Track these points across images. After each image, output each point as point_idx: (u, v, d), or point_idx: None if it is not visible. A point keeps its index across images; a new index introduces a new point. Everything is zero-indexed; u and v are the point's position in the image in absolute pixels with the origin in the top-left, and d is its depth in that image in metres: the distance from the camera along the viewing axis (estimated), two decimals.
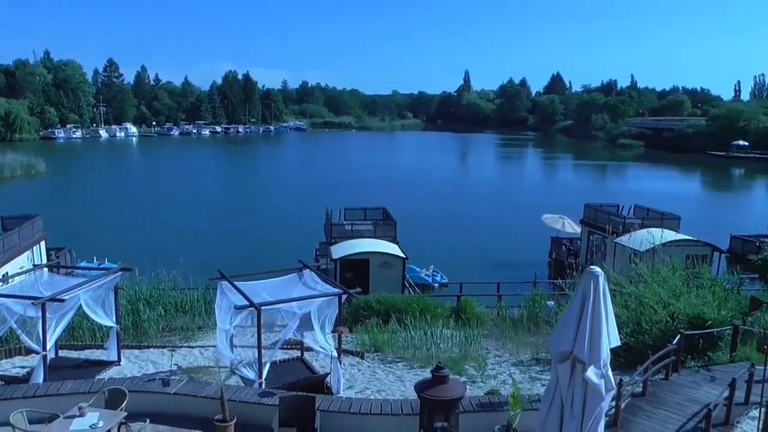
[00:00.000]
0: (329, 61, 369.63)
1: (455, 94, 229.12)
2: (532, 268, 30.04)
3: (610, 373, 5.76)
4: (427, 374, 8.88)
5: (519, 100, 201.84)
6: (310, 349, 12.05)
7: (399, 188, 62.98)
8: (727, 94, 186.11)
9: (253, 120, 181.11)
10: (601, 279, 5.76)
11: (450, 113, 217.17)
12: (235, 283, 11.25)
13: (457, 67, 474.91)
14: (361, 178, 71.68)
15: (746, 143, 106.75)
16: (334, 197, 44.00)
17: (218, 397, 8.70)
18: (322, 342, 10.85)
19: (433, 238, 39.84)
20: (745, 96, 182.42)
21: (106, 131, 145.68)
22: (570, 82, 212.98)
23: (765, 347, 9.79)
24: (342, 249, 27.09)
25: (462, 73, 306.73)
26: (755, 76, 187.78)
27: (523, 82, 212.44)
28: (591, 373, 5.58)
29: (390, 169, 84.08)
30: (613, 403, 9.33)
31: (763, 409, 8.98)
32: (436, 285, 31.09)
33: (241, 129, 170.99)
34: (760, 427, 8.86)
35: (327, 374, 11.21)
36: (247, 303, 10.30)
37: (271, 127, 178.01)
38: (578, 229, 35.55)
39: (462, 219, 48.73)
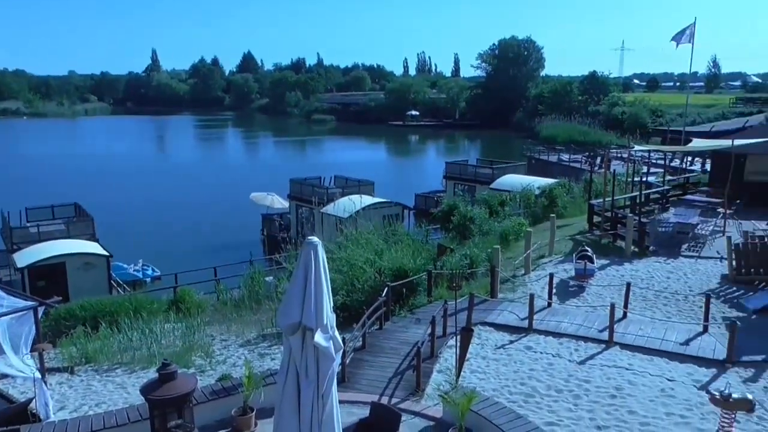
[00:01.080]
0: None
1: (144, 74, 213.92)
2: (246, 248, 30.15)
3: (337, 334, 6.10)
4: (152, 375, 8.33)
5: (213, 80, 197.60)
6: (5, 376, 10.27)
7: (92, 180, 56.85)
8: (398, 70, 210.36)
9: None
10: (320, 248, 6.01)
11: (140, 95, 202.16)
12: None
13: (142, 46, 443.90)
14: (42, 173, 62.54)
15: (417, 113, 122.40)
16: (9, 197, 37.76)
17: None
18: (18, 365, 9.29)
19: (139, 231, 37.14)
20: (412, 71, 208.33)
21: None
22: (262, 60, 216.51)
23: (454, 285, 11.47)
24: (29, 255, 23.56)
25: (149, 52, 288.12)
26: (418, 54, 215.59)
27: (216, 62, 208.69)
28: (319, 337, 5.83)
29: (78, 159, 75.17)
30: (340, 361, 9.99)
31: (457, 336, 10.56)
32: (148, 279, 29.17)
33: None
34: (457, 351, 10.42)
35: (31, 399, 9.70)
36: None
37: None
38: (286, 204, 36.75)
39: (168, 206, 46.29)
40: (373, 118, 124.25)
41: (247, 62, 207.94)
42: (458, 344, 10.47)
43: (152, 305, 16.68)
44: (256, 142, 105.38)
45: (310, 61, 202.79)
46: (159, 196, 51.11)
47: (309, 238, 6.11)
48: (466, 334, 10.80)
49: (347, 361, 10.67)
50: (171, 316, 15.87)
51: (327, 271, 6.08)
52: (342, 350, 6.47)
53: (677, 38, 29.43)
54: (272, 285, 18.29)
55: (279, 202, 36.67)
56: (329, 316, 6.03)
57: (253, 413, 8.55)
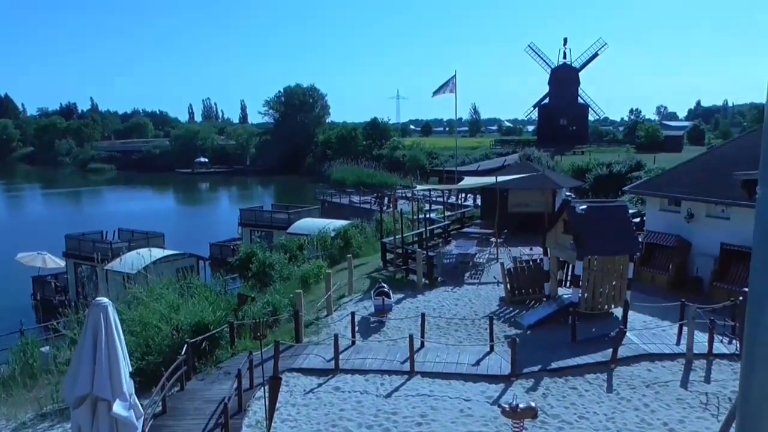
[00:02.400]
0: None
1: None
2: (15, 316, 26.33)
3: (137, 401, 5.62)
4: None
5: None
6: None
7: None
8: (183, 116, 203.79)
9: None
10: (110, 309, 5.56)
11: None
12: None
13: None
14: None
15: (206, 160, 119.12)
16: None
17: None
18: None
19: None
20: (198, 118, 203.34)
21: None
22: (23, 104, 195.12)
23: (258, 334, 11.22)
24: None
25: None
26: (203, 100, 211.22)
27: None
28: (119, 407, 5.32)
29: None
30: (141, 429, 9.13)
31: (265, 386, 10.30)
32: None
33: None
34: (266, 402, 10.15)
35: None
36: None
37: None
38: (62, 263, 33.02)
39: None
40: (159, 165, 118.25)
41: (6, 106, 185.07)
42: (267, 395, 10.22)
43: None
44: (19, 195, 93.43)
45: (83, 106, 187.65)
46: None
47: (97, 299, 5.64)
48: (274, 383, 10.58)
49: (146, 430, 9.80)
50: None
51: (121, 333, 5.63)
52: (143, 417, 5.97)
53: (438, 92, 32.43)
54: (50, 356, 16.18)
55: (53, 262, 32.75)
56: (128, 383, 5.55)
57: None
